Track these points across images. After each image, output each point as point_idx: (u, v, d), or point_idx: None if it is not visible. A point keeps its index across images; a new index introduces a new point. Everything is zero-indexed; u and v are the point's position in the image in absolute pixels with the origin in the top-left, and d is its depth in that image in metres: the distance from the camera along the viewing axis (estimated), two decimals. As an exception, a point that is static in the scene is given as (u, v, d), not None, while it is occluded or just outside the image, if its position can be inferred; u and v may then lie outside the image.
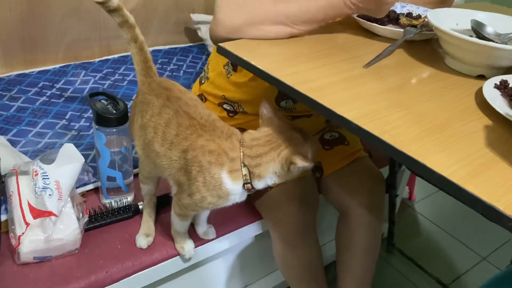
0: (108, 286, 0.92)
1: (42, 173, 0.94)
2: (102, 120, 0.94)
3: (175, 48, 1.91)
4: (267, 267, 1.32)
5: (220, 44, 0.81)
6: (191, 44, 1.99)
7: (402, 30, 0.88)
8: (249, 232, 1.15)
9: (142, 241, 0.98)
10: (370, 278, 1.17)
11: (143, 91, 0.93)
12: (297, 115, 1.13)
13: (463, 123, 0.64)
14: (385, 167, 1.39)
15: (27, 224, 0.88)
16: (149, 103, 0.88)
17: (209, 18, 1.85)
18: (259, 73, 0.75)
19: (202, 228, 1.04)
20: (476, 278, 1.55)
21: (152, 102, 0.88)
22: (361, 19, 0.92)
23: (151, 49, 1.88)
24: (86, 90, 1.52)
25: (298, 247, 1.09)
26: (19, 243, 0.86)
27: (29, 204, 0.90)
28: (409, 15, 1.00)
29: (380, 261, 1.23)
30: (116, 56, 1.78)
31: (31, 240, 0.87)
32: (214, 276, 1.21)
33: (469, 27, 0.84)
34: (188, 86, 1.63)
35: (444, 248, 1.68)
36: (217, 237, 1.07)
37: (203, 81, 1.18)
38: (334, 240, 1.20)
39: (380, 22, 0.93)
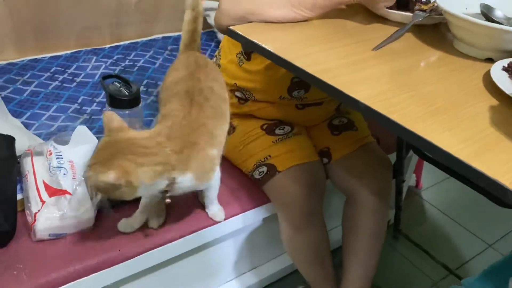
0: (120, 264, 0.94)
1: (56, 152, 0.96)
2: (115, 102, 0.97)
3: (185, 35, 1.92)
4: (275, 250, 1.34)
5: (231, 28, 0.83)
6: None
7: (411, 14, 0.89)
8: (257, 215, 1.17)
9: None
10: (376, 262, 1.19)
11: (180, 59, 0.97)
12: (308, 103, 1.15)
13: (470, 104, 0.65)
14: (393, 153, 1.40)
15: (43, 202, 0.91)
16: (177, 70, 0.92)
17: (218, 5, 1.86)
18: (269, 56, 0.76)
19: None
20: (482, 265, 1.56)
21: (178, 70, 0.92)
22: (371, 3, 0.92)
23: (161, 35, 1.89)
24: (97, 76, 1.54)
25: (305, 230, 1.11)
26: (35, 220, 0.89)
27: (44, 183, 0.93)
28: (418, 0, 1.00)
29: (386, 246, 1.25)
30: (126, 42, 1.79)
31: (47, 218, 0.90)
32: (223, 257, 1.23)
33: (479, 11, 0.84)
34: (198, 72, 1.65)
35: (450, 235, 1.69)
36: (225, 219, 1.09)
37: (214, 68, 1.20)
38: (341, 225, 1.22)
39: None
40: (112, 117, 0.79)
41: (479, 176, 0.51)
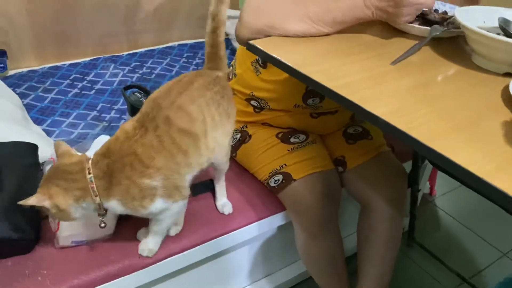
0: (140, 270, 0.96)
1: (79, 162, 0.99)
2: (136, 111, 0.98)
3: (200, 43, 1.95)
4: (290, 257, 1.35)
5: (250, 42, 0.85)
6: (215, 38, 2.02)
7: (429, 28, 0.89)
8: (272, 223, 1.18)
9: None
10: (390, 271, 1.19)
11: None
12: (323, 112, 1.16)
13: (489, 120, 0.65)
14: (408, 162, 1.40)
15: (66, 210, 0.93)
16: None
17: (233, 12, 1.87)
18: (288, 70, 0.77)
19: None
20: (496, 274, 1.56)
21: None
22: (388, 17, 0.93)
23: (176, 43, 1.92)
24: (116, 83, 1.57)
25: (320, 238, 1.12)
26: (58, 228, 0.92)
27: (67, 191, 0.95)
28: (435, 11, 1.00)
29: (400, 254, 1.25)
30: (143, 50, 1.83)
31: (69, 225, 0.92)
32: (238, 264, 1.25)
33: (497, 24, 0.85)
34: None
35: (464, 243, 1.69)
36: (241, 227, 1.10)
37: (230, 77, 1.21)
38: (356, 233, 1.23)
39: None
40: (59, 144, 0.86)
41: (500, 194, 0.51)
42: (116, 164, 0.81)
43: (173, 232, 1.03)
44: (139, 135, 0.83)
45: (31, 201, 0.79)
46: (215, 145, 0.93)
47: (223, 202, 1.11)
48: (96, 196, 0.81)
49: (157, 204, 0.85)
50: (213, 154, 0.93)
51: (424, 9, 1.00)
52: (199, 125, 0.88)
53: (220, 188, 1.11)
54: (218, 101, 0.92)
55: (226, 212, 1.10)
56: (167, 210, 0.88)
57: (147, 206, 0.84)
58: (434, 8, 1.01)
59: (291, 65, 0.76)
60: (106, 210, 0.85)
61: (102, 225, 0.87)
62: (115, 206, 0.83)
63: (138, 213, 0.86)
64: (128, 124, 0.86)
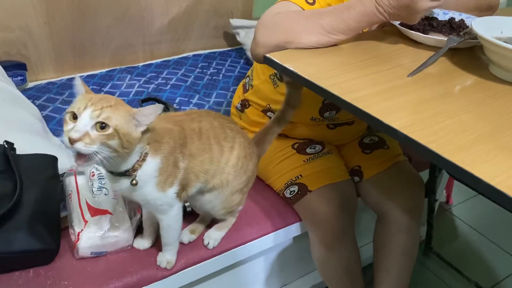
0: (158, 281, 0.97)
1: (98, 174, 1.00)
2: (153, 124, 1.00)
3: (215, 52, 1.97)
4: (305, 267, 1.35)
5: (267, 55, 0.85)
6: (229, 48, 2.03)
7: (445, 38, 0.89)
8: (288, 233, 1.18)
9: (185, 236, 1.03)
10: (407, 281, 1.18)
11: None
12: (340, 123, 1.16)
13: (510, 132, 0.65)
14: (425, 170, 1.39)
15: (86, 221, 0.94)
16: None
17: (247, 22, 1.90)
18: (305, 83, 0.78)
19: (162, 255, 1.01)
20: (516, 285, 1.53)
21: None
22: (404, 28, 0.93)
23: (191, 53, 1.94)
24: (132, 94, 1.58)
25: (336, 249, 1.11)
26: (78, 239, 0.93)
27: (87, 203, 0.97)
28: (451, 20, 1.00)
29: (417, 264, 1.24)
30: (158, 60, 1.84)
31: (89, 237, 0.93)
32: (253, 275, 1.25)
33: (514, 35, 0.84)
34: (227, 89, 1.68)
35: (482, 253, 1.66)
36: (257, 237, 1.11)
37: (247, 88, 1.22)
38: (372, 243, 1.22)
39: (423, 30, 0.94)
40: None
41: (523, 210, 0.51)
42: (169, 127, 0.85)
43: (186, 240, 1.03)
44: (185, 118, 0.90)
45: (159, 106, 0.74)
46: (222, 183, 0.93)
47: (211, 233, 1.06)
48: (148, 144, 0.79)
49: (170, 193, 0.85)
50: (218, 187, 0.94)
51: (440, 19, 1.00)
52: (228, 147, 0.93)
53: (223, 222, 1.07)
54: (246, 154, 0.97)
55: (206, 243, 1.05)
56: (169, 210, 0.88)
57: (165, 188, 0.84)
58: (449, 17, 1.01)
59: (308, 78, 0.77)
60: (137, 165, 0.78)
61: (134, 181, 0.80)
62: (152, 168, 0.80)
63: (152, 196, 0.84)
64: (183, 111, 0.96)
